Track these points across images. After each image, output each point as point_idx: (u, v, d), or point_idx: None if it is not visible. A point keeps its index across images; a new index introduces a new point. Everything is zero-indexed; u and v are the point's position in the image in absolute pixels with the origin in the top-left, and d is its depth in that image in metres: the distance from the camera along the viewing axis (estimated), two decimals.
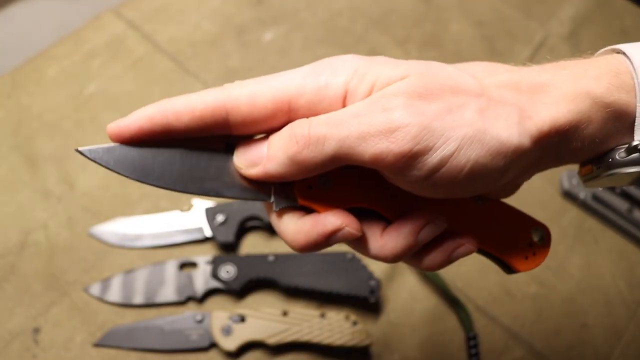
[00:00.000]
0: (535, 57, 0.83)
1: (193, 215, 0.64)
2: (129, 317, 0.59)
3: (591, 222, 0.69)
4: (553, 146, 0.28)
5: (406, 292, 0.62)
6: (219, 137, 0.29)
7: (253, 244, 0.64)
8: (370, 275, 0.60)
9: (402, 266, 0.64)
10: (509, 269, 0.34)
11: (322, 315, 0.57)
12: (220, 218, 0.63)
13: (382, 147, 0.25)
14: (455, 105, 0.26)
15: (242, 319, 0.57)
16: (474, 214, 0.32)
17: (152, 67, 0.76)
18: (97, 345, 0.57)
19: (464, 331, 0.61)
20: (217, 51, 0.79)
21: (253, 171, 0.28)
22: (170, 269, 0.61)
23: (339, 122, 0.26)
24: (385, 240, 0.30)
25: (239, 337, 0.56)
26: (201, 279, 0.60)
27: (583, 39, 0.85)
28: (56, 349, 0.56)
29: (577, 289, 0.64)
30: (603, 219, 0.70)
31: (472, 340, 0.59)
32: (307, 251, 0.29)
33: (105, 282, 0.60)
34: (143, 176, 0.28)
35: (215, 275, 0.60)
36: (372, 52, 0.80)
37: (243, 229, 0.64)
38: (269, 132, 0.29)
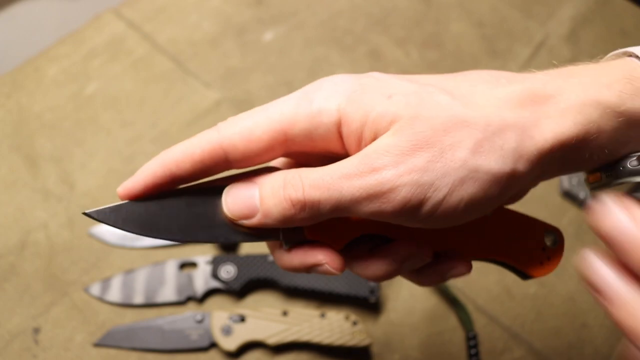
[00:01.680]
0: (535, 57, 0.82)
1: None
2: (129, 317, 0.59)
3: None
4: (556, 160, 0.28)
5: (406, 292, 0.62)
6: (223, 182, 0.30)
7: (253, 244, 0.64)
8: None
9: None
10: (524, 276, 0.33)
11: (322, 315, 0.57)
12: None
13: (375, 208, 0.26)
14: (448, 146, 0.26)
15: (242, 319, 0.57)
16: (483, 225, 0.32)
17: (152, 67, 0.76)
18: (97, 345, 0.57)
19: (463, 331, 0.61)
20: (217, 51, 0.79)
21: (248, 223, 0.29)
22: (170, 269, 0.61)
23: (330, 186, 0.26)
24: (368, 263, 0.31)
25: (239, 337, 0.56)
26: (201, 279, 0.60)
27: (583, 39, 0.85)
28: (56, 349, 0.56)
29: (577, 289, 0.64)
30: None
31: (472, 340, 0.59)
32: (290, 271, 0.32)
33: (105, 282, 0.60)
34: (152, 231, 0.29)
35: (215, 275, 0.60)
36: (372, 52, 0.80)
37: None
38: (268, 161, 0.30)
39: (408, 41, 0.83)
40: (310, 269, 0.30)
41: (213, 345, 0.57)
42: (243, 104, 0.74)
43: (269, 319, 0.57)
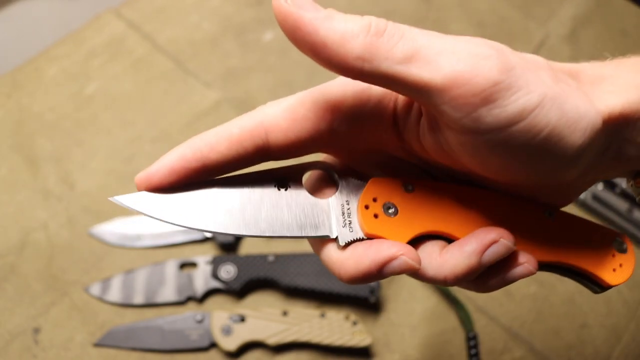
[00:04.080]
0: None
1: None
2: (129, 317, 0.59)
3: None
4: (619, 137, 0.26)
5: (406, 292, 0.62)
6: (267, 175, 0.27)
7: (253, 244, 0.64)
8: None
9: None
10: (598, 286, 0.31)
11: (322, 315, 0.57)
12: None
13: (464, 67, 0.22)
14: (533, 67, 0.24)
15: (242, 319, 0.57)
16: (547, 230, 0.30)
17: (152, 67, 0.76)
18: (97, 345, 0.57)
19: (464, 331, 0.61)
20: (217, 51, 0.79)
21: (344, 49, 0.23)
22: (170, 269, 0.61)
23: (424, 33, 0.23)
24: (446, 258, 0.27)
25: (239, 337, 0.56)
26: (201, 279, 0.60)
27: (583, 39, 0.85)
28: (56, 349, 0.56)
29: (577, 289, 0.64)
30: (603, 219, 0.70)
31: (472, 340, 0.59)
32: (356, 283, 0.26)
33: (105, 282, 0.60)
34: (193, 222, 0.25)
35: (215, 275, 0.60)
36: None
37: None
38: (312, 152, 0.27)
39: None
40: (383, 267, 0.25)
41: (213, 345, 0.57)
42: (243, 104, 0.74)
43: (269, 319, 0.57)
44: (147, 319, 0.58)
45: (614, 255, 0.31)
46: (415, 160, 0.30)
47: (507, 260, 0.28)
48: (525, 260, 0.28)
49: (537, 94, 0.22)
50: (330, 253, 0.27)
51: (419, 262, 0.26)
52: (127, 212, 0.64)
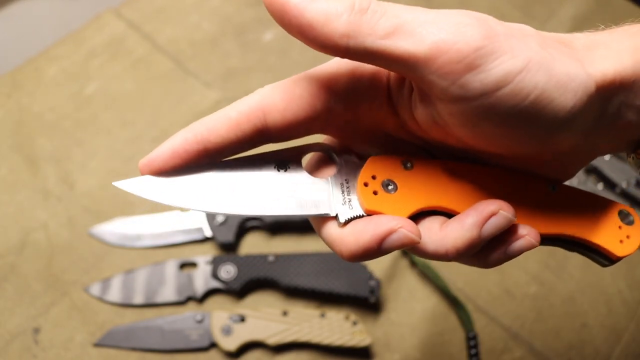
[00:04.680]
0: None
1: (193, 215, 0.64)
2: (129, 317, 0.59)
3: None
4: (616, 101, 0.25)
5: (406, 292, 0.62)
6: (267, 157, 0.28)
7: (253, 244, 0.64)
8: (370, 275, 0.60)
9: (402, 266, 0.64)
10: (605, 258, 0.31)
11: (322, 315, 0.57)
12: (220, 218, 0.63)
13: (446, 36, 0.22)
14: (519, 34, 0.24)
15: (242, 319, 0.57)
16: (550, 203, 0.29)
17: (152, 67, 0.76)
18: (97, 345, 0.57)
19: (464, 331, 0.61)
20: (217, 51, 0.79)
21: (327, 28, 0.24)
22: (170, 269, 0.61)
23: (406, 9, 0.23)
24: (446, 232, 0.26)
25: (239, 337, 0.56)
26: (201, 279, 0.60)
27: None
28: (56, 349, 0.56)
29: (577, 288, 0.64)
30: None
31: (472, 340, 0.59)
32: (357, 259, 0.26)
33: (105, 282, 0.60)
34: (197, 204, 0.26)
35: (215, 275, 0.60)
36: None
37: (243, 229, 0.64)
38: (310, 132, 0.27)
39: None
40: (383, 240, 0.25)
41: (213, 345, 0.57)
42: None
43: (269, 319, 0.57)
44: (147, 319, 0.58)
45: (620, 228, 0.30)
46: (413, 139, 0.30)
47: (508, 233, 0.28)
48: (527, 233, 0.28)
49: (522, 57, 0.23)
50: (331, 231, 0.27)
51: (419, 236, 0.26)
52: (127, 212, 0.64)
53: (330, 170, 0.29)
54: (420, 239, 0.26)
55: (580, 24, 0.87)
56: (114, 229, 0.63)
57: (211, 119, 0.26)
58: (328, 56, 0.28)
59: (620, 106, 0.26)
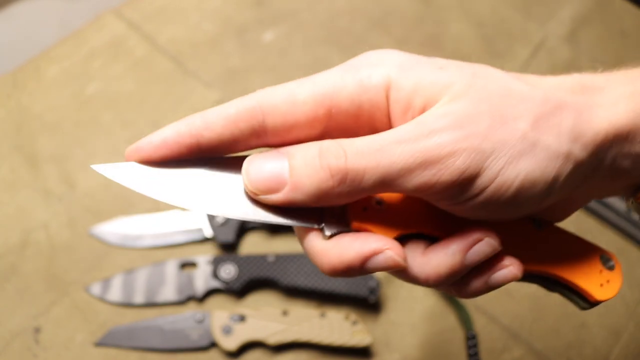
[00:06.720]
0: (534, 57, 0.83)
1: (193, 215, 0.64)
2: (130, 317, 0.59)
3: (591, 222, 0.70)
4: (611, 153, 0.26)
5: (406, 292, 0.62)
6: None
7: (253, 244, 0.64)
8: (370, 275, 0.60)
9: None
10: (585, 301, 0.31)
11: (322, 315, 0.58)
12: (220, 218, 0.63)
13: (427, 177, 0.23)
14: (510, 115, 0.24)
15: (242, 318, 0.57)
16: (534, 240, 0.29)
17: (152, 67, 0.76)
18: (98, 344, 0.57)
19: (463, 330, 0.61)
20: (217, 51, 0.79)
21: (273, 199, 0.24)
22: (171, 268, 0.61)
23: (379, 151, 0.23)
24: (429, 256, 0.26)
25: (239, 336, 0.57)
26: (201, 278, 0.60)
27: (582, 40, 0.86)
28: (57, 349, 0.56)
29: None
30: (602, 219, 0.70)
31: (471, 340, 0.59)
32: (338, 275, 0.26)
33: (106, 282, 0.60)
34: (165, 194, 0.25)
35: (215, 275, 0.60)
36: None
37: (243, 229, 0.64)
38: (305, 141, 0.26)
39: (408, 41, 0.83)
40: (366, 260, 0.25)
41: (213, 345, 0.57)
42: None
43: (269, 318, 0.57)
44: (148, 319, 0.58)
45: (601, 272, 0.31)
46: None
47: (491, 262, 0.27)
48: (510, 263, 0.27)
49: (504, 155, 0.24)
50: (314, 242, 0.26)
51: (405, 260, 0.25)
52: (127, 212, 0.64)
53: None
54: (407, 263, 0.25)
55: (580, 24, 0.87)
56: (115, 228, 0.63)
57: (209, 113, 0.25)
58: (330, 61, 0.28)
59: (616, 157, 0.26)
